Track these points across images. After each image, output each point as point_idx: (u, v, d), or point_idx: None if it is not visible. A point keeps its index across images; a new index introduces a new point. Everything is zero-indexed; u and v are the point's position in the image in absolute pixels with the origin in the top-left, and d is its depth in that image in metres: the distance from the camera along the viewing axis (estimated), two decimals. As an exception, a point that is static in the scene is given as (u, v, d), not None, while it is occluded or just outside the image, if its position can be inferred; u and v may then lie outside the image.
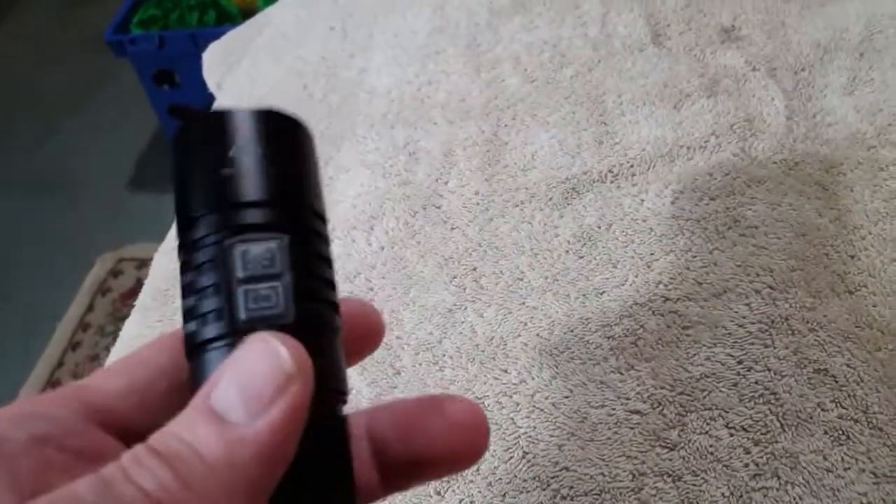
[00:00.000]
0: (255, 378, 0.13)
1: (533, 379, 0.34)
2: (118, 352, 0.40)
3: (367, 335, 0.18)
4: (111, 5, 1.34)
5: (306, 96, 0.50)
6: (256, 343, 0.14)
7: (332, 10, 0.55)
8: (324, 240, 0.16)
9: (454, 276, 0.38)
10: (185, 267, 0.15)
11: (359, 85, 0.49)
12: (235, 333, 0.14)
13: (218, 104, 0.55)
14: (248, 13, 1.09)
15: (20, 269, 1.28)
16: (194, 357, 0.15)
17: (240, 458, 0.13)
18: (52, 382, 1.11)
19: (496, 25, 0.51)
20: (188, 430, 0.13)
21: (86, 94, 1.59)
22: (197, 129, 0.16)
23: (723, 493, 0.29)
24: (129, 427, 0.15)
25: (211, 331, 0.15)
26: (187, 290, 0.15)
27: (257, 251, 0.15)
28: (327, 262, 0.16)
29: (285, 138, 0.16)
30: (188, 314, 0.15)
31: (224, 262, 0.15)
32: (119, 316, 1.19)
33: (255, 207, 0.15)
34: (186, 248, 0.15)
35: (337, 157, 0.46)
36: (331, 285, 0.16)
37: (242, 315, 0.14)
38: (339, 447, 0.16)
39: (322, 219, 0.17)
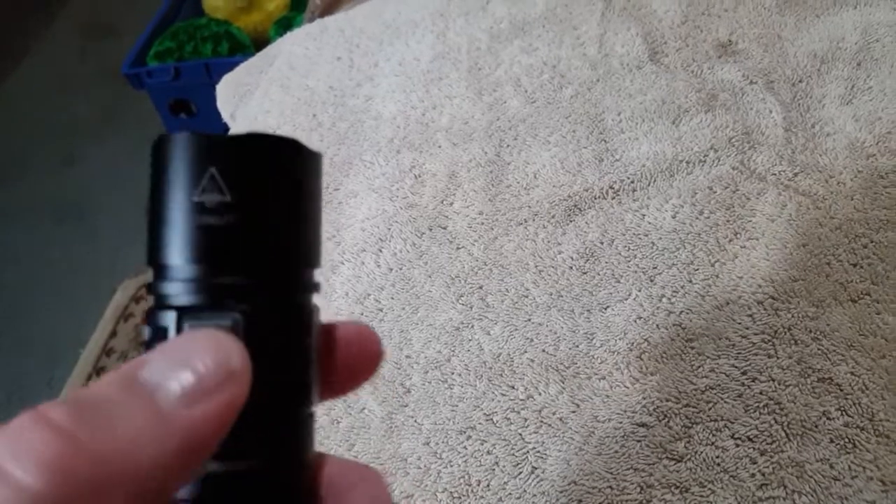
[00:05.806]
0: (198, 364, 0.13)
1: (540, 394, 0.35)
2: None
3: (364, 361, 0.17)
4: (128, 39, 1.38)
5: (316, 125, 0.52)
6: (204, 334, 0.13)
7: (338, 41, 0.57)
8: (301, 297, 0.15)
9: (461, 295, 0.39)
10: (150, 318, 0.15)
11: (365, 112, 0.51)
12: None
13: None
14: (259, 43, 1.12)
15: (44, 297, 1.31)
16: None
17: (169, 441, 0.12)
18: (76, 408, 1.14)
19: (496, 49, 0.52)
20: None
21: (104, 124, 1.63)
22: (171, 152, 0.14)
23: (730, 504, 0.30)
24: (147, 487, 0.16)
25: None
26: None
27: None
28: (305, 330, 0.15)
29: (268, 178, 0.14)
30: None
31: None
32: (141, 341, 1.21)
33: (228, 275, 0.14)
34: (154, 298, 0.15)
35: (346, 182, 0.47)
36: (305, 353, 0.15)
37: None
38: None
39: (309, 264, 0.15)
